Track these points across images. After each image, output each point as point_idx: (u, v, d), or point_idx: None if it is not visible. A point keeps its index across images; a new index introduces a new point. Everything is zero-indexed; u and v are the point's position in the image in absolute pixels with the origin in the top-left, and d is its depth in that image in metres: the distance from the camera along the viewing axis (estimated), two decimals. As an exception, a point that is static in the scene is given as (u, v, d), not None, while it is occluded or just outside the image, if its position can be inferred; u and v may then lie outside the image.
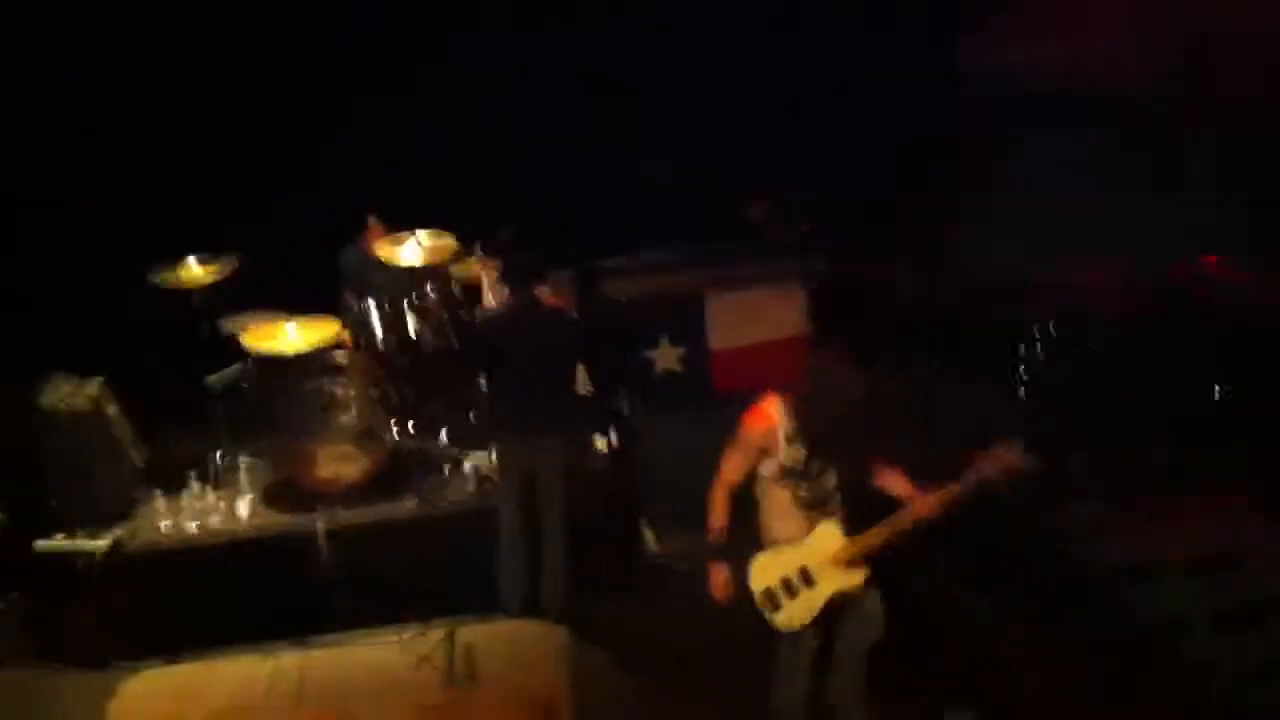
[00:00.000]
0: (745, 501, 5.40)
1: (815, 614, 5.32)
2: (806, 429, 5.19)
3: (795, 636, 5.38)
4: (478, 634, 6.58)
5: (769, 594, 5.33)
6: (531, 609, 6.68)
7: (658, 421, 7.52)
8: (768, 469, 5.28)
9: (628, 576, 7.05)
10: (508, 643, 6.56)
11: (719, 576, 5.38)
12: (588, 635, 6.57)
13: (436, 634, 6.56)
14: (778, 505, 5.32)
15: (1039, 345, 8.26)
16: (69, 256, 8.37)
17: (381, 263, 7.95)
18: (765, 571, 5.35)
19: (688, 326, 7.93)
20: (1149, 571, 6.90)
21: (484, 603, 6.74)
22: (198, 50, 8.61)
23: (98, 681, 6.50)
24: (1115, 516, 7.21)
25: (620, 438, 7.63)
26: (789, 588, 5.31)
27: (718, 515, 5.35)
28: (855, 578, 5.31)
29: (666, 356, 7.93)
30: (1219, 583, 6.85)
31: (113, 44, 8.49)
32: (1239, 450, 7.42)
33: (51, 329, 7.95)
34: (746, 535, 5.41)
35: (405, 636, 6.62)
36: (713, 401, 7.80)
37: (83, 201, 8.38)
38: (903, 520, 5.21)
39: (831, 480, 5.30)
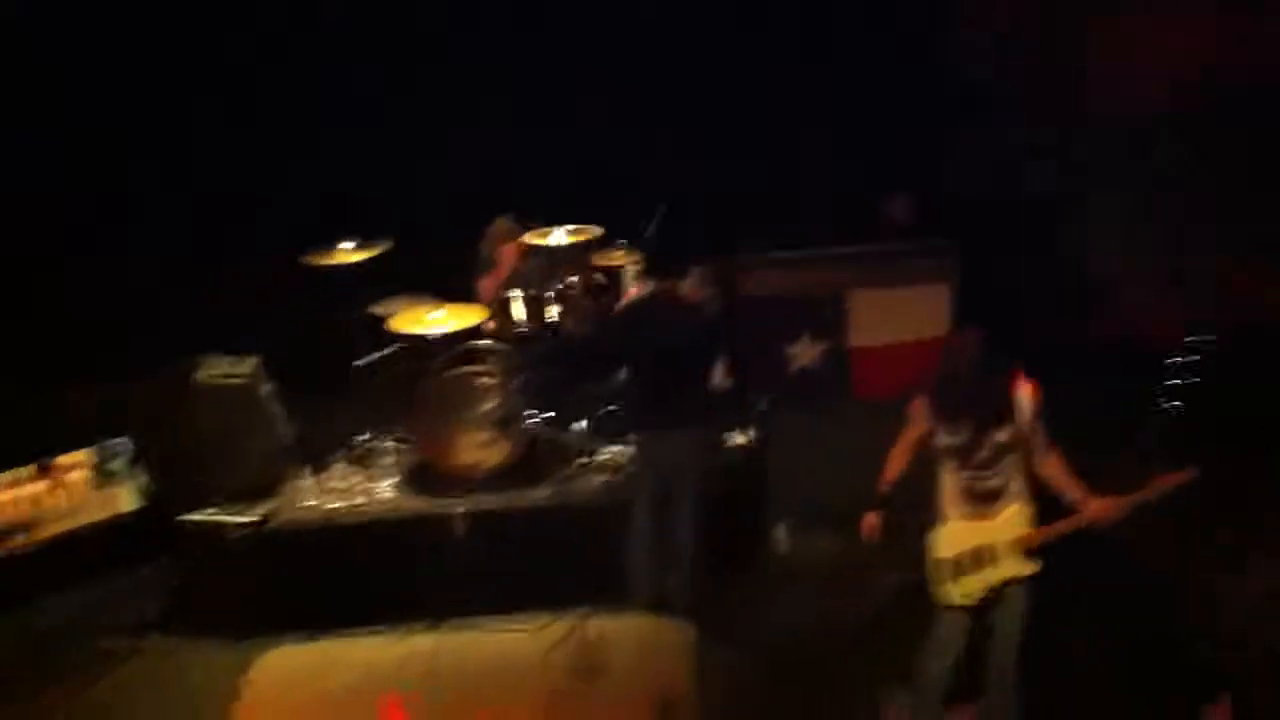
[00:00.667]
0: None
1: (987, 593, 5.43)
2: (948, 409, 5.33)
3: (958, 612, 5.47)
4: (607, 626, 6.62)
5: (956, 563, 5.47)
6: (661, 604, 6.68)
7: (796, 419, 7.43)
8: (938, 445, 5.45)
9: (759, 576, 7.01)
10: (636, 636, 6.57)
11: (871, 519, 5.59)
12: (715, 633, 6.55)
13: (566, 624, 6.64)
14: (948, 487, 5.50)
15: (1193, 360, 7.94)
16: (228, 237, 8.65)
17: (526, 251, 8.03)
18: (954, 540, 5.49)
19: (830, 323, 7.82)
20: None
21: (615, 595, 6.76)
22: (339, 38, 8.80)
23: (234, 654, 6.71)
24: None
25: (757, 434, 7.58)
26: (977, 560, 5.44)
27: (891, 469, 5.63)
28: (1030, 566, 5.40)
29: (807, 353, 7.83)
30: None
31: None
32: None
33: (209, 307, 8.24)
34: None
35: (536, 625, 6.69)
36: (852, 400, 7.71)
37: (241, 184, 8.65)
38: (1082, 519, 5.28)
39: (998, 478, 5.37)
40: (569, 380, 7.95)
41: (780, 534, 7.23)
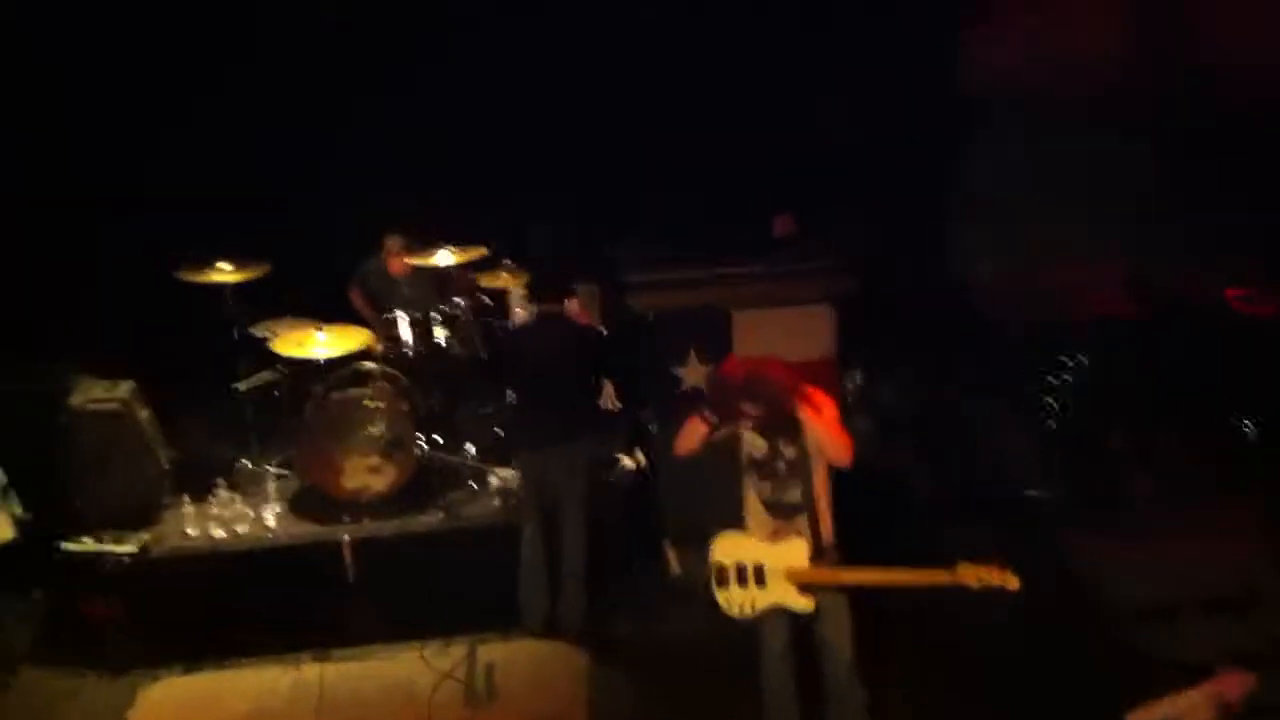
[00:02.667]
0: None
1: (751, 613, 5.58)
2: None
3: (779, 621, 5.57)
4: (498, 651, 6.59)
5: (721, 569, 5.63)
6: (552, 627, 6.68)
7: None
8: (743, 459, 5.60)
9: (649, 597, 7.04)
10: (528, 661, 6.56)
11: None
12: (607, 656, 6.57)
13: (458, 650, 6.58)
14: (750, 499, 5.62)
15: (1068, 375, 8.25)
16: (103, 258, 8.42)
17: (409, 273, 7.97)
18: (728, 548, 5.65)
19: (716, 344, 7.87)
20: (1166, 610, 6.88)
21: (506, 620, 6.74)
22: (234, 53, 8.64)
23: (117, 687, 6.54)
24: (1132, 549, 7.20)
25: (646, 455, 7.63)
26: (741, 575, 5.59)
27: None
28: (803, 604, 5.52)
29: (694, 373, 7.87)
30: (1238, 623, 6.81)
31: (148, 44, 8.54)
32: (1266, 488, 7.39)
33: (83, 330, 8.00)
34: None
35: (426, 651, 6.63)
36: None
37: (117, 203, 8.42)
38: (872, 577, 5.47)
39: (797, 491, 5.52)
40: (457, 403, 7.91)
41: (671, 554, 7.28)
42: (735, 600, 5.61)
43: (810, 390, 5.59)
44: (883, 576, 5.49)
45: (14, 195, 8.25)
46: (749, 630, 5.66)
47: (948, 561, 5.30)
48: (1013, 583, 5.22)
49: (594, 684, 6.39)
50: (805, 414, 5.49)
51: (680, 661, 6.51)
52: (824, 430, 5.49)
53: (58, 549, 6.92)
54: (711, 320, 7.96)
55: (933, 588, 5.38)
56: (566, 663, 6.55)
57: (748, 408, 5.46)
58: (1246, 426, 7.97)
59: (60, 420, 7.22)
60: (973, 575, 5.25)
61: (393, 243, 8.00)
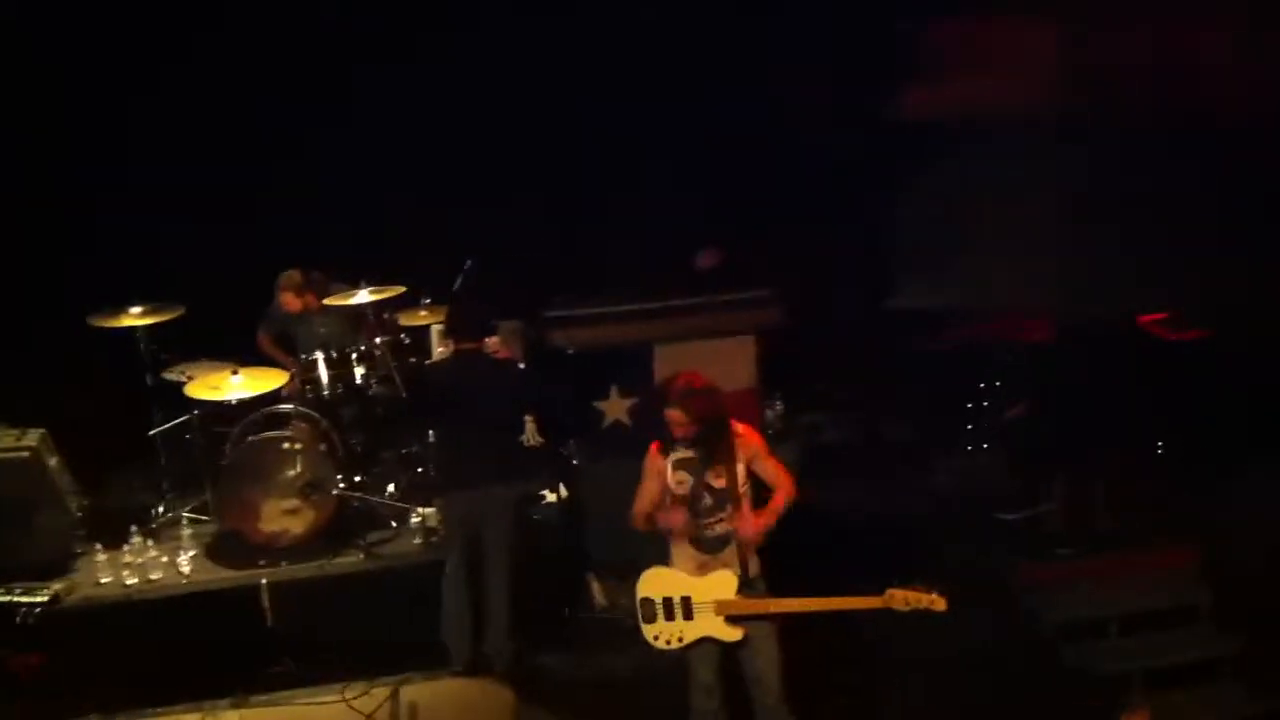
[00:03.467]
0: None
1: (681, 645, 5.56)
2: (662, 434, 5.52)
3: (706, 653, 5.57)
4: (423, 691, 6.52)
5: (648, 604, 5.60)
6: (477, 665, 6.60)
7: (607, 473, 7.46)
8: (668, 495, 5.57)
9: (575, 631, 7.02)
10: (453, 700, 6.49)
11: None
12: (533, 692, 6.51)
13: (381, 691, 6.49)
14: (676, 535, 5.59)
15: (996, 398, 8.38)
16: (12, 303, 8.25)
17: (328, 313, 7.90)
18: (654, 584, 5.62)
19: (637, 377, 7.89)
20: (1090, 628, 6.98)
21: (430, 659, 6.66)
22: (148, 86, 8.56)
23: (33, 738, 6.36)
24: (1060, 570, 7.29)
25: (569, 489, 7.60)
26: (669, 609, 5.57)
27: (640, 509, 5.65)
28: (731, 634, 5.52)
29: (616, 407, 7.88)
30: (1161, 641, 6.94)
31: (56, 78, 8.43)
32: (1190, 506, 7.54)
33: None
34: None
35: (349, 694, 6.51)
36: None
37: (26, 246, 8.28)
38: (801, 605, 5.47)
39: (723, 523, 5.52)
40: (376, 442, 7.84)
41: (595, 588, 7.25)
42: (664, 634, 5.59)
43: (736, 423, 5.60)
44: (811, 604, 5.49)
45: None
46: (677, 663, 5.65)
47: (876, 587, 5.33)
48: (940, 604, 5.27)
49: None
50: (748, 441, 5.52)
51: (607, 695, 6.49)
52: (769, 460, 5.55)
53: (-33, 600, 6.73)
54: (632, 353, 8.00)
55: (860, 614, 5.42)
56: (492, 700, 6.48)
57: (678, 416, 5.41)
58: (1163, 447, 8.15)
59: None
60: (901, 599, 5.29)
61: (286, 280, 7.87)
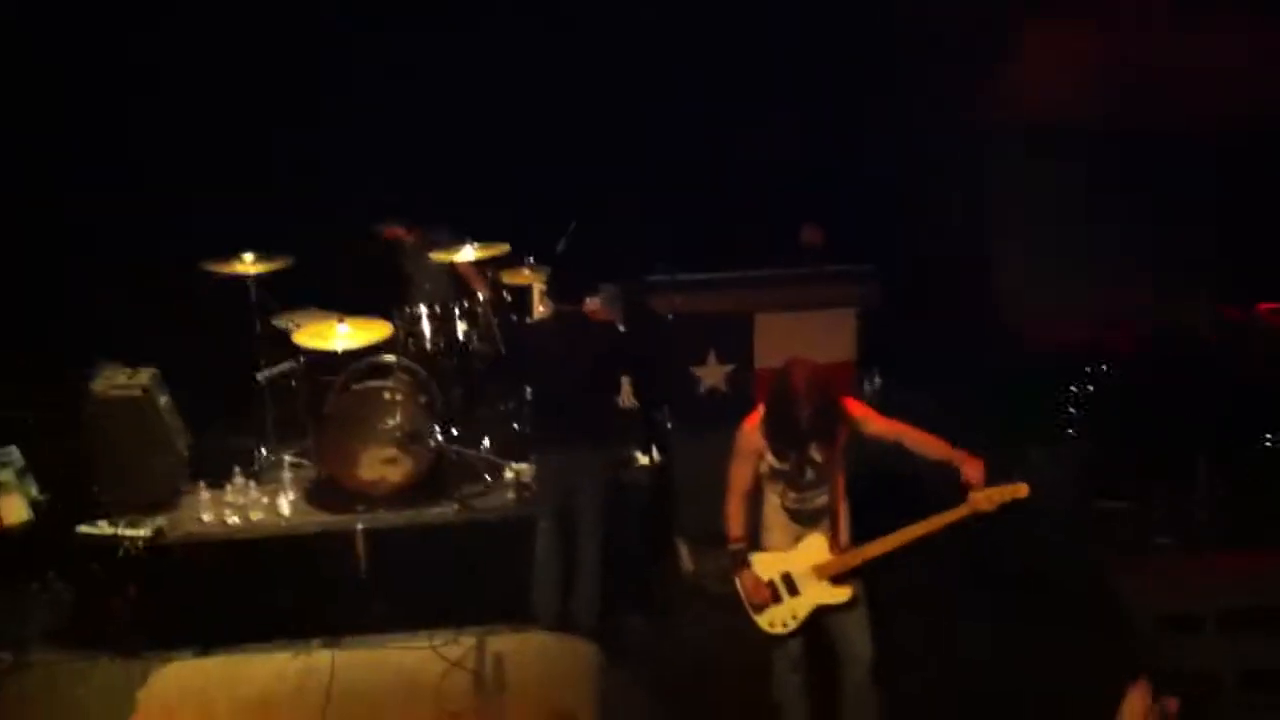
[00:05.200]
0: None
1: (798, 623, 5.50)
2: (777, 435, 5.38)
3: (781, 640, 5.55)
4: (508, 644, 6.59)
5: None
6: (563, 622, 6.67)
7: (700, 439, 7.46)
8: (763, 470, 5.50)
9: (662, 595, 7.04)
10: (538, 655, 6.55)
11: (748, 582, 5.54)
12: (618, 652, 6.55)
13: (468, 641, 6.59)
14: (770, 510, 5.55)
15: (1090, 385, 8.22)
16: (127, 247, 8.48)
17: (431, 268, 8.00)
18: (760, 570, 5.55)
19: (736, 345, 7.87)
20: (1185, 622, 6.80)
21: (517, 613, 6.74)
22: (253, 47, 8.72)
23: (130, 669, 6.57)
24: (1155, 562, 7.14)
25: (661, 454, 7.62)
26: (774, 593, 5.52)
27: (734, 525, 5.60)
28: (840, 593, 5.47)
29: (713, 374, 7.86)
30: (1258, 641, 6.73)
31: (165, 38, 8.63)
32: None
33: (107, 317, 8.07)
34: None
35: (436, 642, 6.62)
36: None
37: (144, 196, 8.50)
38: (889, 543, 5.39)
39: (823, 495, 5.47)
40: (475, 397, 7.93)
41: (684, 552, 7.27)
42: (777, 618, 5.54)
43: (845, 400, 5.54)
44: (903, 536, 5.40)
45: (41, 185, 8.35)
46: (764, 636, 5.61)
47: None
48: (1022, 491, 5.25)
49: (604, 680, 6.36)
50: (855, 414, 5.45)
51: (691, 660, 6.49)
52: (882, 421, 5.49)
53: (75, 532, 6.95)
54: (732, 321, 7.98)
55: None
56: (577, 657, 6.52)
57: (803, 408, 5.29)
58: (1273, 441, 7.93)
59: (82, 405, 7.28)
60: (984, 500, 5.27)
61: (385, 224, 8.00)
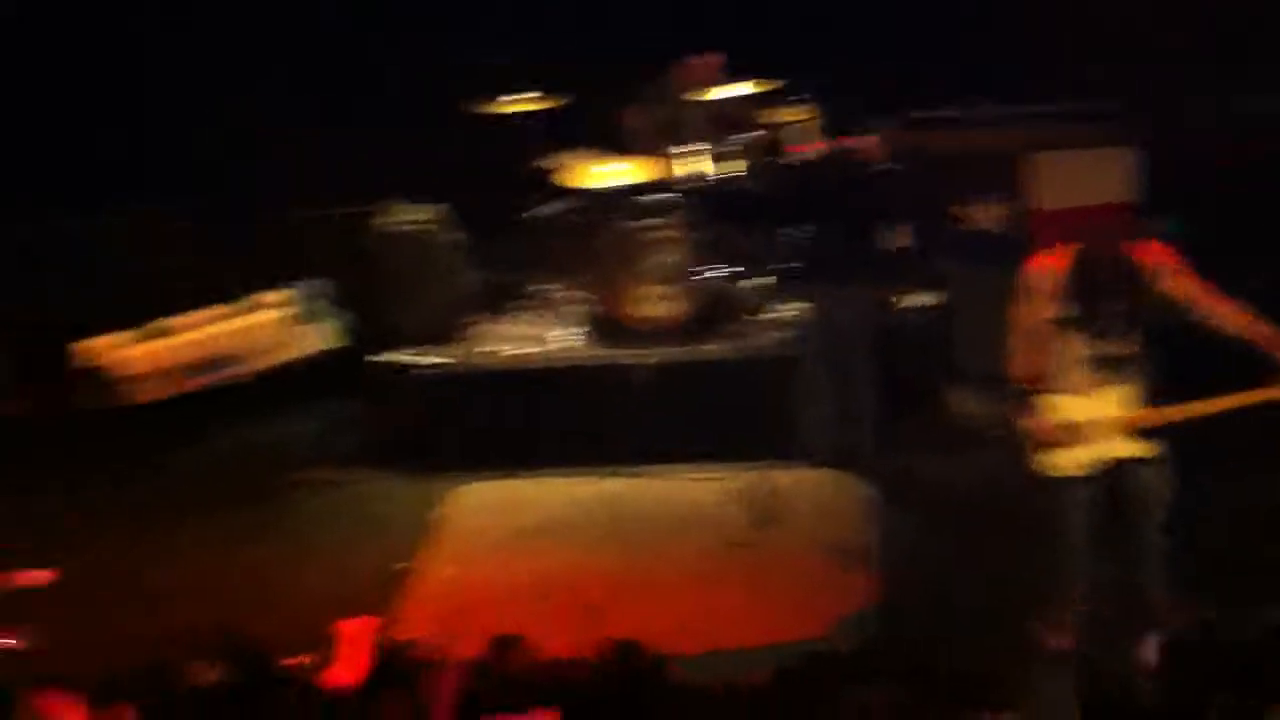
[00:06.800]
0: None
1: (1086, 469, 5.30)
2: (1081, 282, 5.14)
3: (1068, 485, 5.34)
4: (785, 479, 6.72)
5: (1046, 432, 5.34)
6: (838, 460, 6.78)
7: (974, 280, 7.36)
8: (1057, 314, 5.26)
9: (937, 435, 7.04)
10: (814, 490, 6.68)
11: (1037, 423, 5.34)
12: (893, 490, 6.61)
13: (745, 475, 6.75)
14: (1065, 355, 5.30)
15: None
16: (411, 90, 8.76)
17: (703, 105, 8.00)
18: (1064, 411, 5.33)
19: (1012, 184, 7.67)
20: None
21: (788, 449, 6.87)
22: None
23: (424, 490, 6.99)
24: None
25: (934, 294, 7.56)
26: (1066, 436, 5.31)
27: (1020, 366, 5.36)
28: (1138, 448, 5.27)
29: (987, 214, 7.71)
30: None
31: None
32: None
33: (399, 158, 8.39)
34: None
35: (715, 475, 6.82)
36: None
37: (427, 40, 8.72)
38: (1199, 408, 5.13)
39: (1124, 346, 5.22)
40: (746, 235, 7.97)
41: (959, 393, 7.23)
42: (1069, 462, 5.34)
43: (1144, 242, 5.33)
44: (1210, 406, 5.17)
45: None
46: (1046, 480, 5.55)
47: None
48: None
49: (878, 516, 6.46)
50: (1156, 259, 5.17)
51: (966, 501, 6.47)
52: (1184, 278, 5.19)
53: (374, 360, 7.38)
54: (1007, 159, 7.77)
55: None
56: (851, 494, 6.65)
57: (1104, 254, 5.12)
58: None
59: (377, 240, 7.66)
60: None
61: (696, 62, 7.97)
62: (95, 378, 7.51)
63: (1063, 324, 5.34)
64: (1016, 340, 5.44)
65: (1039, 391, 5.38)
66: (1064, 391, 5.39)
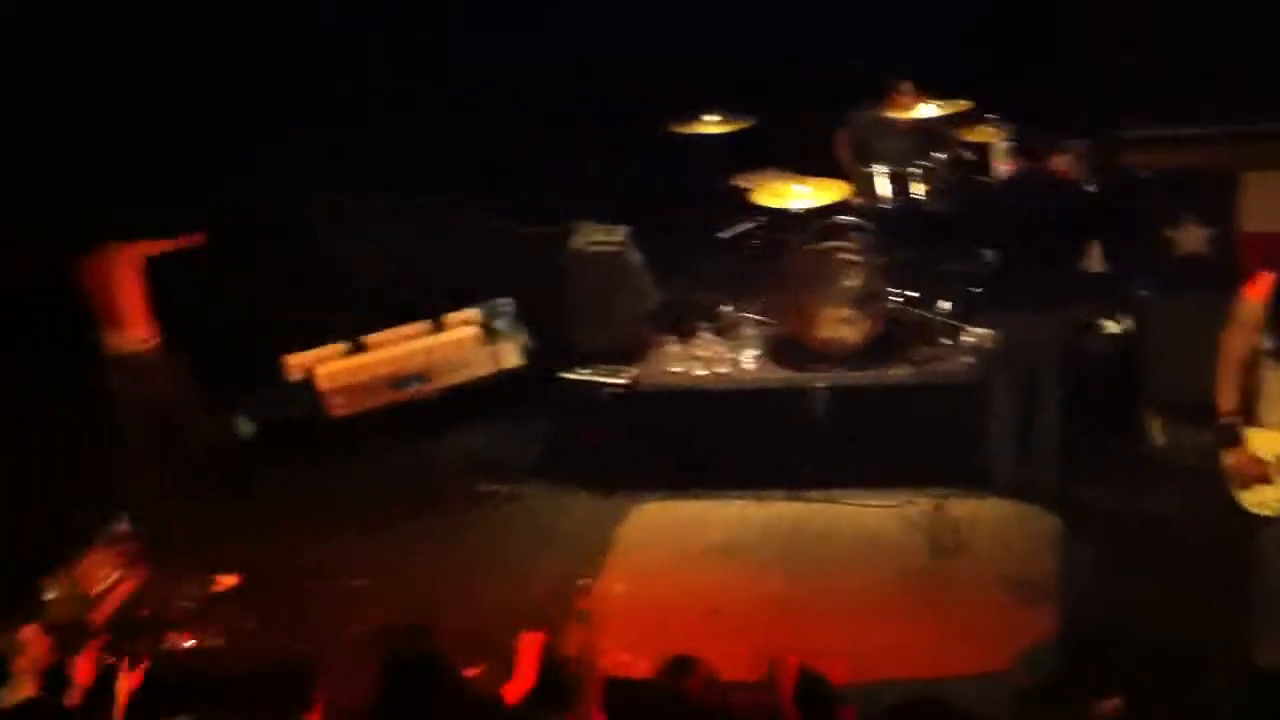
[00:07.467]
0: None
1: None
2: None
3: (1272, 525, 5.10)
4: (965, 508, 6.60)
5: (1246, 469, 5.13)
6: (1021, 490, 6.61)
7: (1176, 307, 7.07)
8: (1265, 345, 5.04)
9: (1128, 467, 6.79)
10: (995, 521, 6.54)
11: (1239, 458, 5.13)
12: (1079, 525, 6.41)
13: (925, 503, 6.66)
14: (1272, 387, 5.07)
15: None
16: (605, 113, 8.92)
17: (893, 127, 7.91)
18: (1263, 447, 5.12)
19: (1218, 207, 7.33)
20: None
21: (973, 478, 6.73)
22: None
23: (607, 505, 7.12)
24: None
25: (1131, 321, 7.29)
26: (1271, 472, 5.07)
27: (1226, 398, 5.16)
28: None
29: (1191, 238, 7.38)
30: None
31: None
32: None
33: (585, 178, 8.57)
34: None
35: (895, 502, 6.75)
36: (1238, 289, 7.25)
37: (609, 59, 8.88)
38: None
39: None
40: (933, 259, 7.85)
41: (1154, 426, 6.96)
42: (1268, 498, 5.14)
43: None
44: None
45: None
46: (1244, 517, 5.30)
47: None
48: None
49: (1063, 551, 6.27)
50: None
51: (1158, 537, 6.24)
52: None
53: (557, 378, 7.54)
54: (1215, 180, 7.44)
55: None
56: (1035, 526, 6.48)
57: None
58: None
59: (563, 260, 7.82)
60: None
61: (905, 86, 7.90)
62: (305, 390, 7.87)
63: (1271, 355, 5.12)
64: (1225, 370, 5.24)
65: (1244, 425, 5.18)
66: (1271, 426, 5.17)
